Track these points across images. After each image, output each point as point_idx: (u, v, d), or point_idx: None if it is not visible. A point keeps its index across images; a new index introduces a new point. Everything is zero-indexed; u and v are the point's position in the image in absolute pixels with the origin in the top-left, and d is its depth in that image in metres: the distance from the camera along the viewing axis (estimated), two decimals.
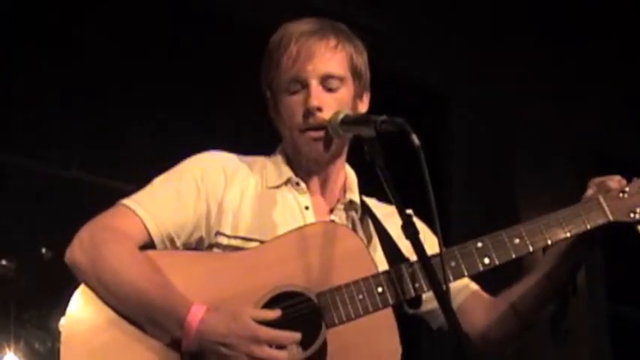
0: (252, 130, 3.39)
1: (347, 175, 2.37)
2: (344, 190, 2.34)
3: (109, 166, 4.41)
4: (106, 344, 2.05)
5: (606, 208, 2.18)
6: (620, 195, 2.19)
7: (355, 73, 2.28)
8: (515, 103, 6.00)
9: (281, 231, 2.17)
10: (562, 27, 5.83)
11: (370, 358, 2.04)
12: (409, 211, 2.27)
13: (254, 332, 1.97)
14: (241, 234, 2.19)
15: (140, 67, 4.49)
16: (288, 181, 2.29)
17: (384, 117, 1.98)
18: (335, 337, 2.03)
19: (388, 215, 2.23)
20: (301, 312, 2.05)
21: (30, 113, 4.23)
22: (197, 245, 2.22)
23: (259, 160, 2.35)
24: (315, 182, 2.31)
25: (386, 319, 2.07)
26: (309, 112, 2.20)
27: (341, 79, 2.24)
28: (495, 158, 5.94)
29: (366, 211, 2.32)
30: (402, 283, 2.08)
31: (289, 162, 2.32)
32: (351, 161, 2.37)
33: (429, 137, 1.87)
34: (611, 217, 2.18)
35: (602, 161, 6.05)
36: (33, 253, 4.42)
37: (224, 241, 2.19)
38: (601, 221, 2.18)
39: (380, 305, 2.06)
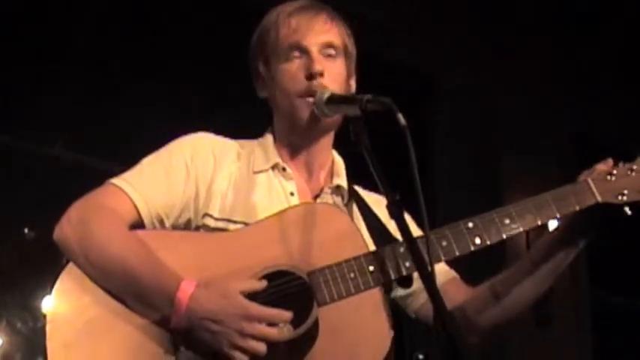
0: (241, 112, 3.37)
1: (334, 160, 2.36)
2: (331, 175, 2.33)
3: (93, 144, 4.39)
4: (92, 322, 2.03)
5: (595, 190, 2.19)
6: (608, 177, 2.20)
7: (346, 52, 2.30)
8: (501, 91, 6.03)
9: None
10: (547, 18, 5.88)
11: (361, 338, 2.03)
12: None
13: (245, 309, 1.95)
14: (228, 216, 2.18)
15: (127, 47, 4.46)
16: (274, 167, 2.28)
17: (369, 96, 1.96)
18: (327, 316, 2.02)
19: (376, 203, 2.22)
20: (292, 290, 2.03)
21: (13, 91, 4.19)
22: (185, 226, 2.21)
23: (248, 144, 2.34)
24: (301, 166, 2.30)
25: (377, 299, 2.06)
26: (311, 76, 2.19)
27: (338, 50, 2.26)
28: (480, 144, 5.97)
29: (354, 196, 2.30)
30: (393, 262, 2.07)
31: (277, 144, 2.31)
32: (341, 152, 2.36)
33: (414, 123, 1.85)
34: (599, 199, 2.18)
35: (584, 148, 6.11)
36: (15, 233, 4.39)
37: (211, 223, 2.18)
38: (590, 202, 2.18)
39: (372, 284, 2.05)
